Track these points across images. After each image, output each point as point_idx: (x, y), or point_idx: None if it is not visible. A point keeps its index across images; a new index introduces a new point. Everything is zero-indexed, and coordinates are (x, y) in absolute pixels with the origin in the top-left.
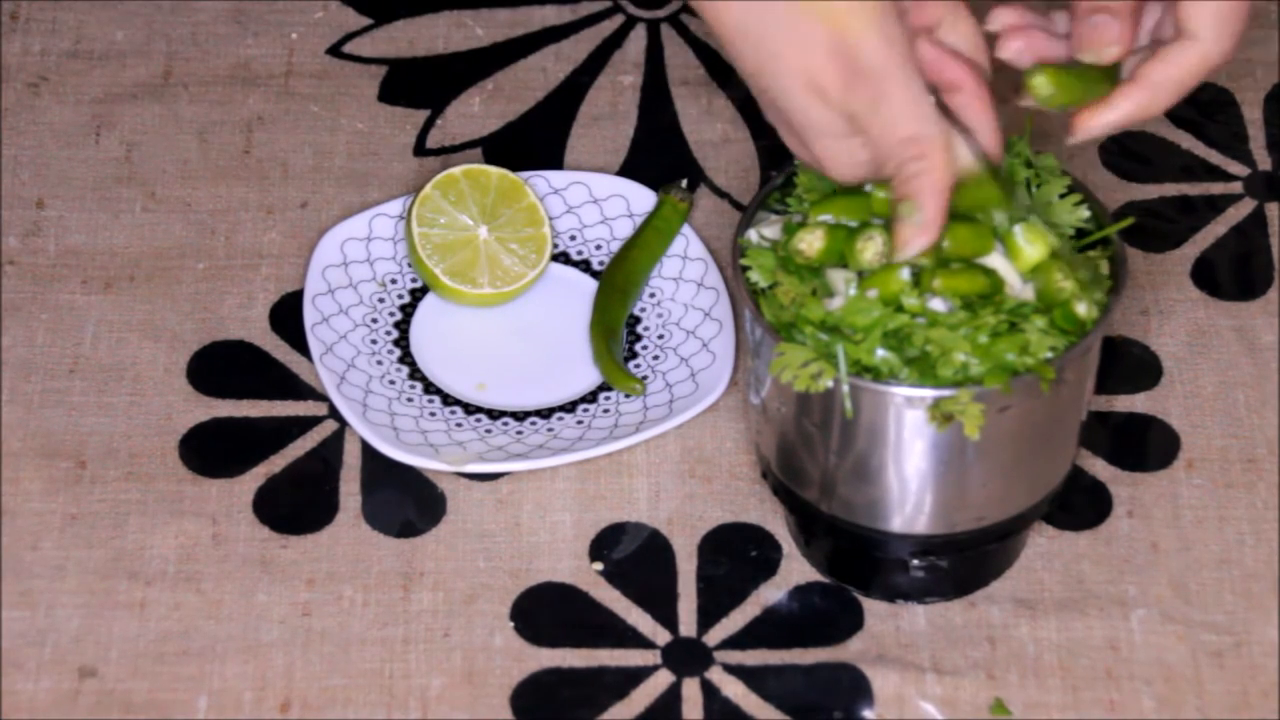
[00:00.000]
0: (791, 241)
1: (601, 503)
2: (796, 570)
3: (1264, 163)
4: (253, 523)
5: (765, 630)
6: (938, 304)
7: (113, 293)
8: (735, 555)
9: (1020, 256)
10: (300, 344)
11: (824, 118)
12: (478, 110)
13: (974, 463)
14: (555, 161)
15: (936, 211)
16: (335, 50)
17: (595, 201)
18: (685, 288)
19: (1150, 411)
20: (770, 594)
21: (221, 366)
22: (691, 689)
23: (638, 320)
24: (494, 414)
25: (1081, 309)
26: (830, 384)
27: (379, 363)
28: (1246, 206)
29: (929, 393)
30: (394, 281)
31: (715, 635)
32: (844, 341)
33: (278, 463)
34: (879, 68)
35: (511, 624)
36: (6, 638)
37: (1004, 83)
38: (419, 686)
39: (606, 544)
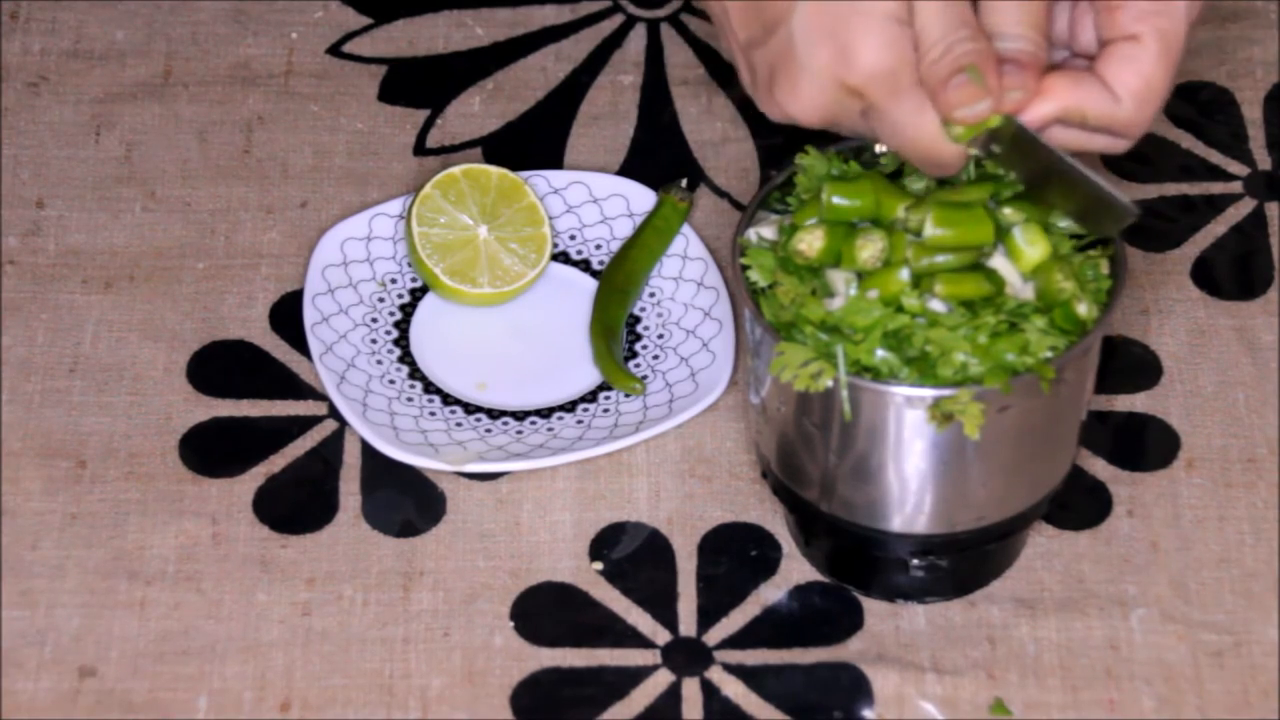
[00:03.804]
0: (791, 242)
1: (601, 502)
2: (796, 570)
3: (1264, 163)
4: (253, 522)
5: (765, 630)
6: (937, 304)
7: (113, 292)
8: (735, 555)
9: (1021, 257)
10: (300, 344)
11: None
12: (478, 110)
13: (974, 463)
14: (555, 161)
15: (996, 82)
16: (335, 50)
17: (595, 201)
18: (685, 287)
19: (1150, 411)
20: (770, 594)
21: (221, 366)
22: (691, 689)
23: (638, 320)
24: (494, 414)
25: (1081, 309)
26: (830, 384)
27: (379, 362)
28: (1246, 206)
29: (929, 392)
30: (394, 281)
31: (715, 635)
32: (844, 341)
33: (278, 462)
34: None
35: (511, 624)
36: (6, 638)
37: None
38: (419, 686)
39: (606, 544)
